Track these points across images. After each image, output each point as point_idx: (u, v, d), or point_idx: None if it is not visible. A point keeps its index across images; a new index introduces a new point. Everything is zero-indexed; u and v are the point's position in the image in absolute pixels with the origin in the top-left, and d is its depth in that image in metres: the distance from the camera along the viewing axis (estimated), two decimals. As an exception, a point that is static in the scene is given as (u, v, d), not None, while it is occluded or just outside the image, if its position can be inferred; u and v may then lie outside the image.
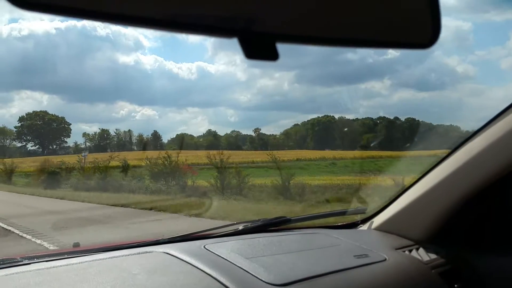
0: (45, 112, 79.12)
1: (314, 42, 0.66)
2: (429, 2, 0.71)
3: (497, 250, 1.73)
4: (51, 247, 5.94)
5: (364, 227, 2.07)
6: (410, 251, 1.75)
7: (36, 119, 77.59)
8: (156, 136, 62.93)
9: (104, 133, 73.59)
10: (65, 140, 78.83)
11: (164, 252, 1.54)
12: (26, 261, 1.44)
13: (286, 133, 49.22)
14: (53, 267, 1.41)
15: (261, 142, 48.81)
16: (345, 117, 45.87)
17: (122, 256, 1.52)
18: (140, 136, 65.95)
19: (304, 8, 0.60)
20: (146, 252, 1.57)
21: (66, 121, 79.41)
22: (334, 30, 0.66)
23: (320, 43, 0.67)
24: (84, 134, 76.28)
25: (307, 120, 48.85)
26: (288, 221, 1.98)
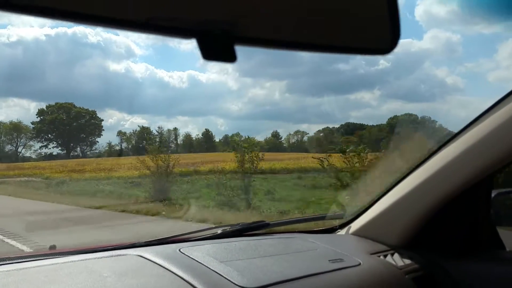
0: (71, 104, 74.56)
1: (272, 45, 0.66)
2: (388, 7, 0.71)
3: (471, 257, 1.75)
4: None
5: (342, 232, 2.08)
6: (385, 256, 1.77)
7: (60, 113, 72.41)
8: (207, 136, 61.24)
9: (144, 131, 68.11)
10: (96, 140, 73.26)
11: (138, 255, 1.54)
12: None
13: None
14: (24, 268, 1.42)
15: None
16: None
17: (95, 258, 1.53)
18: (188, 136, 65.25)
19: (263, 10, 0.60)
20: (120, 255, 1.57)
21: (97, 116, 73.47)
22: (293, 34, 0.66)
23: (277, 46, 0.67)
24: (119, 133, 72.25)
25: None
26: (267, 225, 2.01)
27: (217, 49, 0.60)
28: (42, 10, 0.52)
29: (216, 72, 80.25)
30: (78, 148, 74.68)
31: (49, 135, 72.92)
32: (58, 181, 22.03)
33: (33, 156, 77.14)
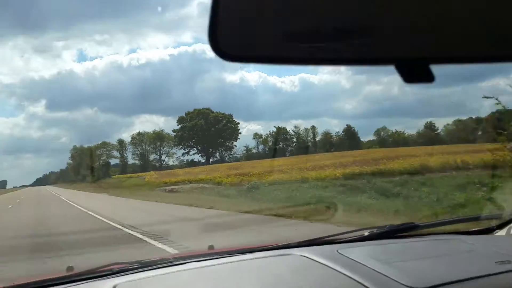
0: (209, 110, 76.50)
1: (464, 61, 0.67)
2: None
3: None
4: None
5: (502, 232, 2.03)
6: None
7: (199, 119, 75.23)
8: (350, 132, 58.67)
9: (280, 132, 68.28)
10: (234, 144, 74.64)
11: (301, 255, 1.69)
12: (179, 261, 1.73)
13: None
14: (205, 266, 1.68)
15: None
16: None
17: (261, 258, 1.76)
18: (327, 134, 62.77)
19: (453, 29, 0.62)
20: (284, 255, 1.76)
21: (234, 120, 74.84)
22: (479, 47, 0.66)
23: (469, 61, 0.68)
24: (256, 135, 73.45)
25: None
26: (416, 227, 2.04)
27: (416, 72, 0.63)
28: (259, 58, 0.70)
29: (328, 73, 77.80)
30: (217, 153, 76.64)
31: (190, 142, 75.38)
32: (250, 186, 18.93)
33: (176, 163, 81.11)
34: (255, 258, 1.71)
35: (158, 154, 78.26)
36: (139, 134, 79.39)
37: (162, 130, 77.68)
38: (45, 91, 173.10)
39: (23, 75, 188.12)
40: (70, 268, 1.86)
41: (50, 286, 1.62)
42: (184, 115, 75.56)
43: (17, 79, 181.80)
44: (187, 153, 76.96)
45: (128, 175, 64.13)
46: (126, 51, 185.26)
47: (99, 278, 1.63)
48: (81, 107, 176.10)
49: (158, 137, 78.20)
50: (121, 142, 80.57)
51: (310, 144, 65.75)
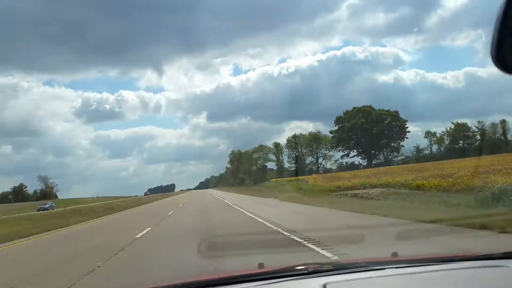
0: (370, 107, 69.26)
1: None
2: None
3: None
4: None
5: None
6: None
7: (359, 117, 68.33)
8: None
9: (461, 128, 57.33)
10: (401, 144, 66.17)
11: None
12: (376, 266, 1.71)
13: None
14: (413, 273, 1.58)
15: None
16: None
17: (470, 268, 1.60)
18: None
19: None
20: (498, 266, 1.60)
21: (400, 117, 66.05)
22: None
23: None
24: (428, 134, 63.59)
25: None
26: None
27: None
28: None
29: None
30: (381, 155, 68.42)
31: (349, 143, 69.58)
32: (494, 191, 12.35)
33: (333, 167, 76.22)
34: (462, 268, 1.59)
35: (315, 156, 74.53)
36: (294, 136, 76.50)
37: (319, 132, 73.72)
38: (205, 104, 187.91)
39: (187, 90, 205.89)
40: (261, 265, 1.99)
41: (251, 281, 1.71)
42: (342, 115, 69.91)
43: (182, 94, 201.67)
44: (347, 155, 71.26)
45: (287, 178, 61.61)
46: (276, 61, 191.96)
47: (296, 277, 1.71)
48: (236, 116, 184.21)
49: (314, 139, 73.99)
50: (277, 145, 78.88)
51: (502, 141, 53.42)
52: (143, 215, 23.93)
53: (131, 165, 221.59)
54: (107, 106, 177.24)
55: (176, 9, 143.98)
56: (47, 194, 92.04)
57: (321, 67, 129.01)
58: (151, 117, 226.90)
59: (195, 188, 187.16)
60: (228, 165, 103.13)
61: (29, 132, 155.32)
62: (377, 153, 69.67)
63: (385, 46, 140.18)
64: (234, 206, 21.88)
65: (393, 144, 67.76)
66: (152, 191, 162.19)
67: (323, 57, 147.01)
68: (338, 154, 72.65)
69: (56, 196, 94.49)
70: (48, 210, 43.30)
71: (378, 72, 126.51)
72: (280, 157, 79.36)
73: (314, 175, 51.93)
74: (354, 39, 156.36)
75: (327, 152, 74.96)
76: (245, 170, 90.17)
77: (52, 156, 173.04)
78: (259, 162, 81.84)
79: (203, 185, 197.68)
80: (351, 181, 32.29)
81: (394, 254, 1.94)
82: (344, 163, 71.37)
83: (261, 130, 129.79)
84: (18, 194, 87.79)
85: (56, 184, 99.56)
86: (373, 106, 68.43)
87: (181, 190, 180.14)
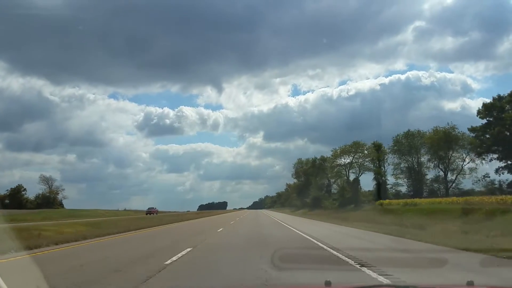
0: None
1: None
2: None
3: None
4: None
5: None
6: None
7: None
8: None
9: None
10: None
11: None
12: None
13: None
14: None
15: None
16: None
17: None
18: None
19: None
20: None
21: None
22: None
23: None
24: None
25: None
26: None
27: None
28: None
29: None
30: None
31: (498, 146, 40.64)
32: None
33: (476, 187, 47.22)
34: None
35: (443, 167, 45.25)
36: (408, 134, 47.76)
37: (454, 127, 44.37)
38: (263, 124, 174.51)
39: (245, 109, 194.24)
40: (328, 283, 2.14)
41: None
42: (493, 101, 40.70)
43: (240, 113, 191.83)
44: (508, 167, 41.49)
45: (400, 200, 34.54)
46: (336, 83, 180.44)
47: None
48: (293, 137, 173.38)
49: (444, 139, 44.92)
50: (377, 146, 50.57)
51: None
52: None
53: (187, 180, 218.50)
54: (168, 121, 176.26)
55: (237, 27, 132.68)
56: (50, 200, 70.24)
57: (383, 91, 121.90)
58: (209, 134, 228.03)
59: (248, 208, 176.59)
60: (294, 180, 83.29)
61: (93, 142, 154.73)
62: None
63: (452, 73, 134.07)
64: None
65: None
66: (203, 207, 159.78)
67: (385, 80, 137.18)
68: (485, 166, 42.88)
69: (61, 204, 72.65)
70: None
71: (444, 99, 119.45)
72: (383, 167, 50.56)
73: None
74: (419, 64, 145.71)
75: (464, 161, 45.37)
76: (320, 186, 62.94)
77: (113, 166, 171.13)
78: (343, 172, 53.77)
79: (257, 205, 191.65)
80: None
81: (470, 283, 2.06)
82: (499, 181, 41.15)
83: (318, 153, 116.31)
84: (15, 199, 66.11)
85: (63, 189, 77.71)
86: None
87: (234, 209, 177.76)
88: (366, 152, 50.56)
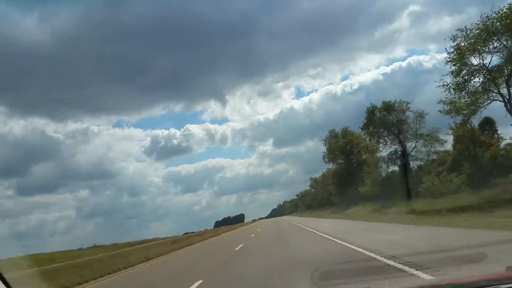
0: None
1: None
2: None
3: None
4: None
5: None
6: None
7: None
8: None
9: None
10: None
11: None
12: None
13: None
14: None
15: None
16: None
17: None
18: None
19: None
20: None
21: None
22: None
23: None
24: None
25: None
26: None
27: None
28: None
29: None
30: None
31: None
32: None
33: None
34: None
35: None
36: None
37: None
38: (271, 130, 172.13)
39: (251, 118, 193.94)
40: None
41: None
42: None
43: (247, 123, 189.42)
44: None
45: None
46: (339, 79, 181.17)
47: None
48: (303, 140, 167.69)
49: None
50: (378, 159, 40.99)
51: None
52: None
53: (203, 198, 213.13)
54: (175, 142, 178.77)
55: (233, 36, 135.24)
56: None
57: (387, 80, 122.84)
58: (218, 149, 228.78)
59: (267, 217, 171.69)
60: (314, 183, 78.55)
61: (103, 175, 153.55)
62: None
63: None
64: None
65: None
66: (219, 223, 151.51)
67: (387, 69, 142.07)
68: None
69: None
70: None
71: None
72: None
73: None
74: (419, 48, 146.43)
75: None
76: (336, 191, 50.82)
77: (127, 196, 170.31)
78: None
79: (276, 212, 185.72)
80: None
81: (509, 268, 2.12)
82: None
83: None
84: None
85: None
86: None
87: (253, 220, 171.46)
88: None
